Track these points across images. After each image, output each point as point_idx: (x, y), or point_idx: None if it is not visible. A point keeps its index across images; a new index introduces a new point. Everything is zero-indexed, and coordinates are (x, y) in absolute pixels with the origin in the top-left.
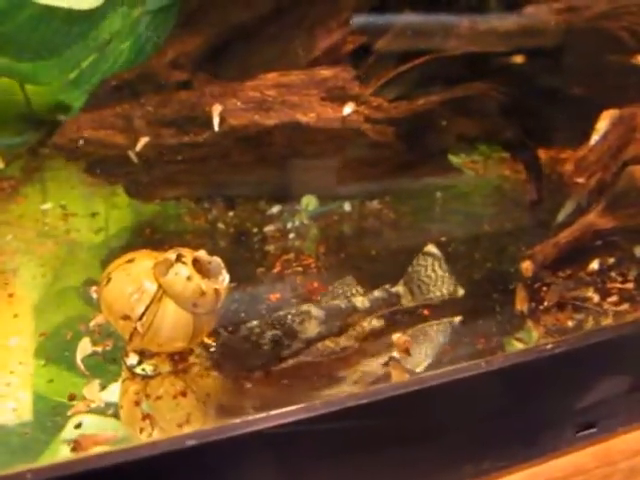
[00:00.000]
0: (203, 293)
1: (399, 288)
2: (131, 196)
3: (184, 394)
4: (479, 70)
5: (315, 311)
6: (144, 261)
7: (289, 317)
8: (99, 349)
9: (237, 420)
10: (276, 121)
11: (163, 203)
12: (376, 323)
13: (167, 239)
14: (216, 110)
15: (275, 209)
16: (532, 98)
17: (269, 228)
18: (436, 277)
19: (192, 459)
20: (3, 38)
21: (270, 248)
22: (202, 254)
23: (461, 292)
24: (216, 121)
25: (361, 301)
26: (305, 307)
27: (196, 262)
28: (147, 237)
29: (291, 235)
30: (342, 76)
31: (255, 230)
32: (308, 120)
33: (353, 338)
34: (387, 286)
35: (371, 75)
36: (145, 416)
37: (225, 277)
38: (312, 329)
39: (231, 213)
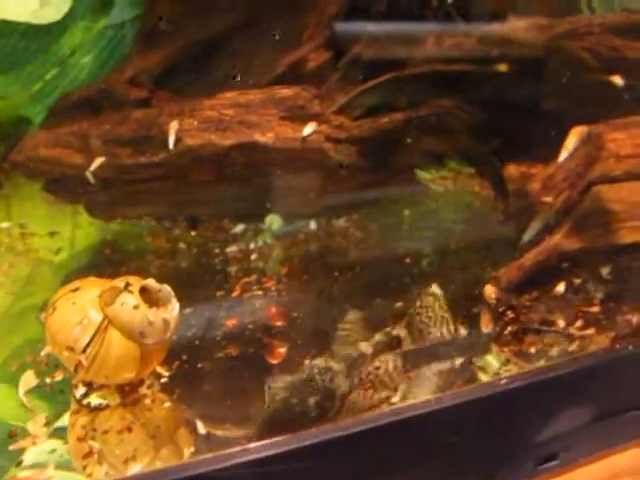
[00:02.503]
0: (150, 323)
1: (400, 332)
2: (92, 215)
3: (130, 429)
4: (445, 87)
5: (336, 366)
6: (90, 290)
7: (318, 378)
8: (48, 380)
9: (176, 463)
10: (233, 141)
11: (126, 222)
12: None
13: (127, 259)
14: (172, 129)
15: (238, 228)
16: (499, 115)
17: (231, 249)
18: (435, 317)
19: None
20: None
21: (231, 269)
22: (151, 282)
23: (464, 332)
24: (172, 139)
25: (365, 347)
26: (322, 363)
27: (145, 290)
28: (107, 257)
29: (253, 256)
30: (302, 95)
31: (217, 250)
32: (266, 140)
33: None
34: (388, 329)
35: (334, 93)
36: (89, 452)
37: (175, 306)
38: (343, 384)
39: (193, 233)
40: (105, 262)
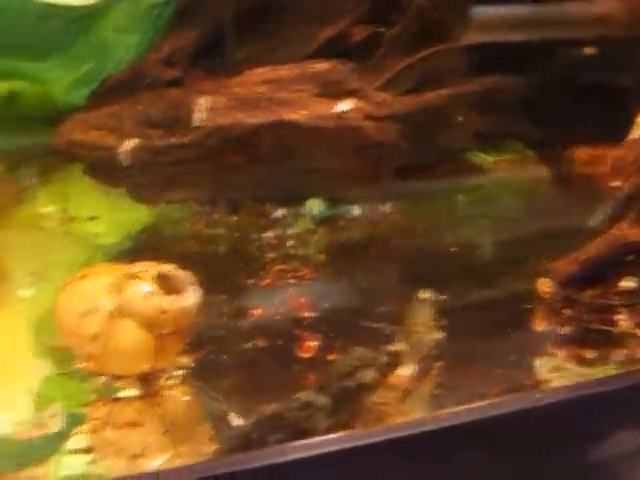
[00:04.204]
0: (164, 311)
1: (399, 346)
2: (135, 199)
3: (141, 423)
4: (498, 62)
5: (321, 400)
6: (101, 277)
7: (292, 414)
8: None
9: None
10: (262, 120)
11: (170, 206)
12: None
13: (167, 244)
14: (200, 107)
15: (279, 213)
16: (558, 92)
17: (268, 234)
18: (426, 323)
19: None
20: (6, 39)
21: (267, 256)
22: (169, 268)
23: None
24: (199, 118)
25: (371, 376)
26: (305, 397)
27: (163, 277)
28: (147, 242)
29: (290, 242)
30: (338, 69)
31: (254, 236)
32: (299, 118)
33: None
34: (389, 346)
35: (379, 68)
36: (100, 444)
37: (194, 293)
38: (321, 422)
39: (235, 217)
40: (145, 247)
